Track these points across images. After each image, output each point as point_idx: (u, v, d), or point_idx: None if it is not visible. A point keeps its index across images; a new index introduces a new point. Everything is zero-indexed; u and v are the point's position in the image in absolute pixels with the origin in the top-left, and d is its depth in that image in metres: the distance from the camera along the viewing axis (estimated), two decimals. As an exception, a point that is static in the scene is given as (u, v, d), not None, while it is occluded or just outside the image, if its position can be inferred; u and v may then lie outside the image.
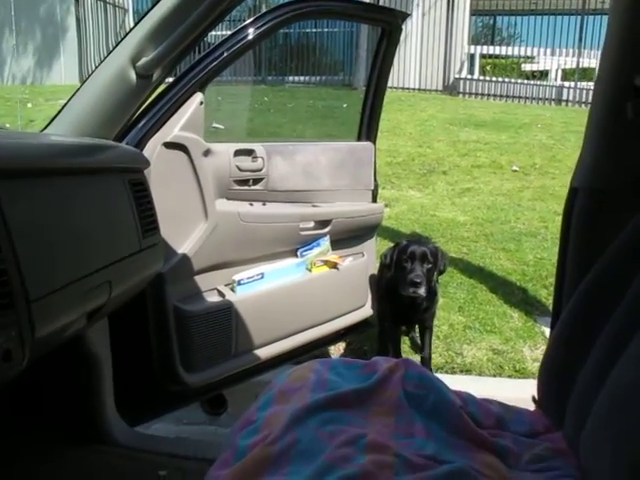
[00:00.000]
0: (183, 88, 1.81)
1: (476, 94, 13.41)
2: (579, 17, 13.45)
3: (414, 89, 13.79)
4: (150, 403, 1.97)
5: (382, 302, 2.82)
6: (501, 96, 13.19)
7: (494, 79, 13.57)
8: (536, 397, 1.37)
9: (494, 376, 3.16)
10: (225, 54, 1.87)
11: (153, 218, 1.48)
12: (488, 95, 13.30)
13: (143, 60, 1.47)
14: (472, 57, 14.30)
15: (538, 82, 13.66)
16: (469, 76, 13.95)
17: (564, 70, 14.30)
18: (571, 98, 12.83)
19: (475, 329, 3.58)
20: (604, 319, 1.15)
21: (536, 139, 8.80)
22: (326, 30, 15.10)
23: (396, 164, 7.46)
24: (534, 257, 4.75)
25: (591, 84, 13.35)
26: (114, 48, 1.49)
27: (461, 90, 13.55)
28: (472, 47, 14.33)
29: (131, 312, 1.67)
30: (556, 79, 14.01)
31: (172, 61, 1.52)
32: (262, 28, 1.95)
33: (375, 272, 2.79)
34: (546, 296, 4.11)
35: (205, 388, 2.05)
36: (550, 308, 3.98)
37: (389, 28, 2.44)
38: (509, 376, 3.16)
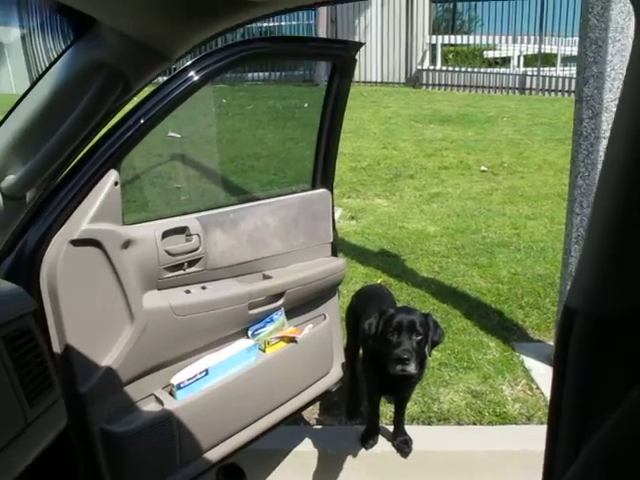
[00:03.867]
0: (92, 167, 1.49)
1: (439, 85, 13.21)
2: (539, 1, 13.24)
3: (376, 82, 13.53)
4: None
5: (368, 371, 2.55)
6: (464, 86, 13.00)
7: (457, 69, 13.35)
8: None
9: (474, 423, 2.94)
10: (142, 120, 1.56)
11: (46, 373, 1.17)
12: (452, 86, 13.10)
13: (9, 180, 1.15)
14: (434, 47, 14.06)
15: (501, 70, 13.50)
16: (431, 67, 13.73)
17: (525, 56, 14.17)
18: (534, 86, 12.69)
19: (451, 366, 3.35)
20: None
21: (503, 134, 8.62)
22: (284, 23, 14.74)
23: (361, 169, 7.20)
24: (508, 272, 4.54)
25: (553, 70, 13.28)
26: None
27: (424, 82, 13.32)
28: (434, 37, 14.06)
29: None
30: (518, 65, 13.87)
31: (50, 177, 1.20)
32: (187, 84, 1.65)
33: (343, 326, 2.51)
34: (522, 318, 3.91)
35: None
36: (528, 331, 3.83)
37: (341, 62, 2.16)
38: (489, 422, 2.94)
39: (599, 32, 2.85)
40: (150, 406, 1.74)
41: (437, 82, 13.23)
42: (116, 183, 1.56)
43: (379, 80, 13.57)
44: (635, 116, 0.94)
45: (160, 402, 1.74)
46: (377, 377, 2.39)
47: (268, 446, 2.72)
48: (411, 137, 8.43)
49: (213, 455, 1.88)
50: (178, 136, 7.56)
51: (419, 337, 2.20)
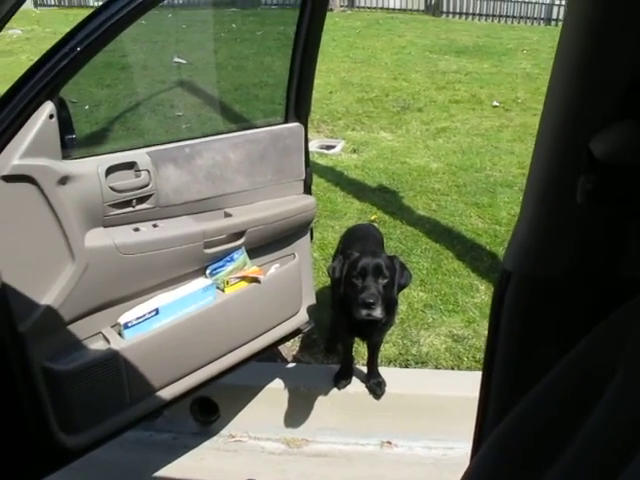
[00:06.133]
0: (24, 99, 1.39)
1: (460, 13, 12.62)
2: None
3: (394, 9, 12.96)
4: (29, 470, 1.68)
5: (337, 314, 2.50)
6: (486, 15, 12.42)
7: (480, -4, 12.74)
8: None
9: (452, 368, 2.90)
10: (79, 48, 1.44)
11: None
12: (473, 15, 12.52)
13: None
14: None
15: (527, -2, 12.85)
16: (453, -7, 13.10)
17: (555, -16, 13.46)
18: (561, 17, 12.09)
19: (436, 308, 3.29)
20: (549, 459, 0.82)
21: (520, 67, 8.27)
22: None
23: (368, 100, 6.97)
24: (507, 214, 4.40)
25: None
26: None
27: (444, 10, 12.73)
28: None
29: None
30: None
31: None
32: (134, 4, 1.51)
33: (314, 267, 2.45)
34: (517, 261, 3.82)
35: (95, 445, 1.75)
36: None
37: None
38: (468, 368, 2.90)
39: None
40: (96, 345, 1.71)
41: (458, 10, 12.63)
42: (51, 116, 1.46)
43: (398, 7, 12.99)
44: (564, 105, 0.83)
45: (107, 341, 1.71)
46: (346, 320, 2.34)
47: (241, 381, 2.72)
48: (424, 68, 8.11)
49: (168, 393, 1.86)
50: (184, 62, 7.29)
51: (385, 280, 2.12)
